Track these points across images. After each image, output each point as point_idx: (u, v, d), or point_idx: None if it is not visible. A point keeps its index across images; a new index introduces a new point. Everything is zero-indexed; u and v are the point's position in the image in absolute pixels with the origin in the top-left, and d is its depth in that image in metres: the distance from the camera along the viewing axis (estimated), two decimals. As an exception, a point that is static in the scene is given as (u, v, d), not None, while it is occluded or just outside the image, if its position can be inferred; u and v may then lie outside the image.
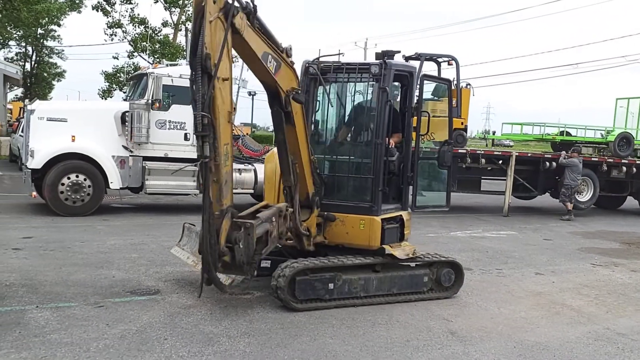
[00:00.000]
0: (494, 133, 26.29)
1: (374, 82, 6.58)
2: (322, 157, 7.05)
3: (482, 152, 16.22)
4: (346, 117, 7.09)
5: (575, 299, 7.56)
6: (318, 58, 6.91)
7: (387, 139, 6.72)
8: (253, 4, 5.14)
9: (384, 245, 6.58)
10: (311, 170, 6.56)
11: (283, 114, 5.96)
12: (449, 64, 16.06)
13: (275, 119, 6.07)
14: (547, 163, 16.38)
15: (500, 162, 16.07)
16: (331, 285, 6.30)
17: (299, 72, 6.38)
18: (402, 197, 7.04)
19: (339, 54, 6.86)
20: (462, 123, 15.71)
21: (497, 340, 5.78)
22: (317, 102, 7.05)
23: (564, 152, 16.37)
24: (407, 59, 15.04)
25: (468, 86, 16.13)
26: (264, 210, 5.85)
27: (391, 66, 6.58)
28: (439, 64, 16.25)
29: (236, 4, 4.88)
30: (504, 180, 16.10)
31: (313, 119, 7.05)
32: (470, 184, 16.55)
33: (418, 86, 6.99)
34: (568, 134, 19.06)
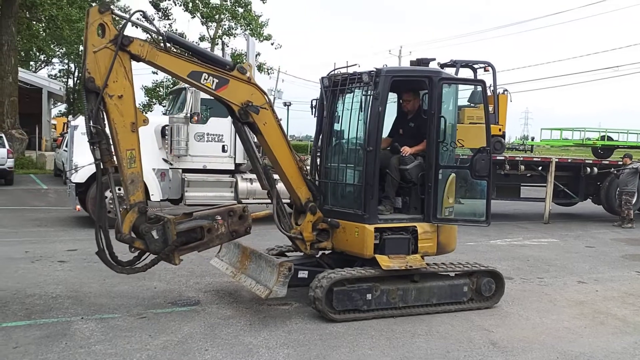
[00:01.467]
0: (532, 139, 25.88)
1: (374, 90, 6.47)
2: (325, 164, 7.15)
3: (521, 158, 15.97)
4: (350, 127, 6.99)
5: (621, 308, 7.36)
6: (333, 71, 7.05)
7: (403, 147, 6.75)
8: (159, 32, 5.98)
9: (375, 255, 6.45)
10: (301, 177, 6.74)
11: (242, 124, 6.39)
12: (485, 70, 15.93)
13: (237, 129, 6.63)
14: (588, 169, 16.01)
15: (540, 168, 15.78)
16: (369, 296, 6.29)
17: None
18: (424, 208, 6.77)
19: (348, 66, 6.97)
20: (499, 129, 15.54)
21: (539, 350, 5.68)
22: (336, 113, 7.10)
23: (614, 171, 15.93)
24: (442, 66, 15.05)
25: (505, 92, 15.92)
26: (208, 210, 6.39)
27: (386, 73, 6.48)
28: (475, 70, 16.16)
29: (137, 33, 5.79)
30: (544, 186, 15.80)
31: (329, 129, 7.13)
32: (510, 191, 16.26)
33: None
34: (609, 138, 18.62)
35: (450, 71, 13.97)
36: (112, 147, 5.72)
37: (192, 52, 6.24)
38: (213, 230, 6.20)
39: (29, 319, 5.96)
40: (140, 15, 6.22)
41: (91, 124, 5.55)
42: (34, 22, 28.37)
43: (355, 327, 6.06)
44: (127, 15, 5.82)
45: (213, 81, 6.11)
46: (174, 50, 5.98)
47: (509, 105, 15.97)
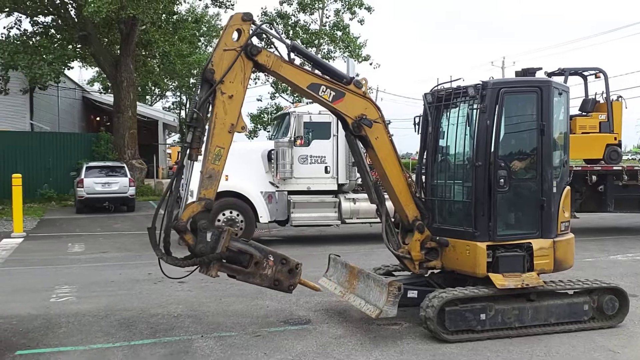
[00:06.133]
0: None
1: (480, 104, 6.31)
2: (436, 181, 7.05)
3: (641, 167, 14.90)
4: (457, 142, 6.83)
5: None
6: (437, 86, 7.04)
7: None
8: (289, 44, 6.41)
9: (488, 273, 6.24)
10: (410, 194, 6.72)
11: (354, 137, 6.59)
12: (596, 77, 15.12)
13: (348, 142, 6.91)
14: None
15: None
16: (483, 316, 6.12)
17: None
18: (541, 224, 6.49)
19: (451, 80, 6.95)
20: (615, 138, 14.64)
21: (674, 375, 5.25)
22: (441, 129, 7.04)
23: None
24: (549, 75, 14.46)
25: (619, 99, 14.99)
26: (265, 247, 6.26)
27: (493, 85, 6.33)
28: (585, 77, 15.38)
29: (257, 42, 6.19)
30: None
31: (435, 145, 7.07)
32: (629, 203, 15.16)
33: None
34: None
35: (559, 80, 13.41)
36: (204, 137, 5.98)
37: (313, 62, 6.65)
38: (259, 267, 6.06)
39: (154, 337, 6.35)
40: (268, 25, 6.64)
41: (195, 109, 5.91)
42: (149, 59, 30.41)
43: (469, 347, 5.91)
44: (266, 30, 6.30)
45: (330, 94, 6.38)
46: (296, 62, 6.35)
47: (624, 112, 15.01)
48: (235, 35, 6.04)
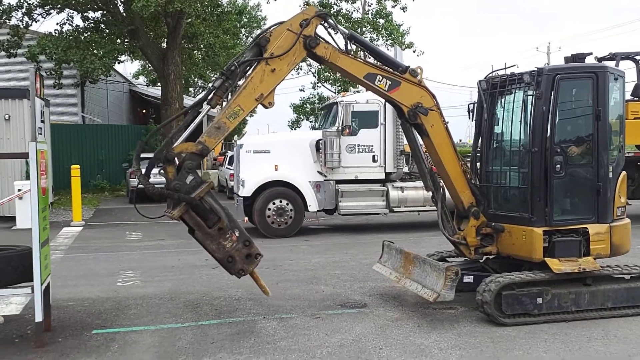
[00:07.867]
0: None
1: (536, 90, 6.36)
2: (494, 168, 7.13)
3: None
4: (512, 129, 6.90)
5: None
6: (491, 73, 7.12)
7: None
8: (347, 33, 6.53)
9: (545, 258, 6.32)
10: (465, 181, 6.80)
11: (410, 125, 6.71)
12: (649, 61, 14.75)
13: (404, 130, 7.09)
14: None
15: None
16: (539, 300, 6.21)
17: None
18: (597, 209, 6.54)
19: (506, 67, 7.01)
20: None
21: None
22: (496, 115, 7.12)
23: None
24: (600, 59, 14.20)
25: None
26: (240, 225, 6.07)
27: (548, 72, 6.38)
28: (637, 62, 15.03)
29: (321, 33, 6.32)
30: None
31: (489, 131, 7.15)
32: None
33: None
34: None
35: (610, 65, 13.18)
36: (229, 93, 6.13)
37: (370, 50, 6.83)
38: (221, 234, 5.82)
39: (219, 318, 6.66)
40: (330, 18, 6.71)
41: (236, 63, 6.05)
42: (195, 51, 30.90)
43: (526, 330, 6.02)
44: (330, 22, 6.49)
45: (386, 83, 6.51)
46: (353, 52, 6.52)
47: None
48: (303, 23, 6.21)
